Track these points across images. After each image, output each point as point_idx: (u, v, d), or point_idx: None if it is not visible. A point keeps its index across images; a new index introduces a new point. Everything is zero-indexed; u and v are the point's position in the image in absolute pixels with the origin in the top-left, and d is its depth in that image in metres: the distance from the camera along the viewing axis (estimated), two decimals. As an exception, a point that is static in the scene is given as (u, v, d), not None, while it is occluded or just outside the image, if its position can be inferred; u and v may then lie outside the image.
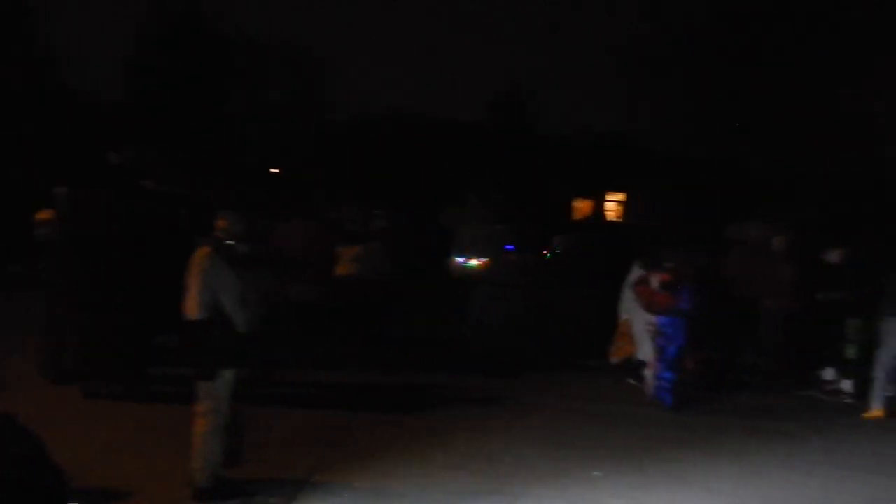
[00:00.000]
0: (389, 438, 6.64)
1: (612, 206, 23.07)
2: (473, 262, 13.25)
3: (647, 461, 6.32)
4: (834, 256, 9.05)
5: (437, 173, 18.04)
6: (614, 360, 9.30)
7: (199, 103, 22.05)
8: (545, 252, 13.09)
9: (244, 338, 5.09)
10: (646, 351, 8.61)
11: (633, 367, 9.00)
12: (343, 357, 9.25)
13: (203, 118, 21.72)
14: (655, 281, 8.43)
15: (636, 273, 8.87)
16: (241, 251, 5.22)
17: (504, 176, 17.93)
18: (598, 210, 21.77)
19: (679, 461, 6.36)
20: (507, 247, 12.75)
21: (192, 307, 4.97)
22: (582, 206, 21.51)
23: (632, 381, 8.96)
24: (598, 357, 9.62)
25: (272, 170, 21.49)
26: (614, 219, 22.28)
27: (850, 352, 8.57)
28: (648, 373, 8.54)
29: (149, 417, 6.70)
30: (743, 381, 9.39)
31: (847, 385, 8.67)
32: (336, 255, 10.04)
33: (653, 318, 8.34)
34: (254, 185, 16.65)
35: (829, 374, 9.06)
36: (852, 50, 19.24)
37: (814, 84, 19.18)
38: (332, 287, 9.69)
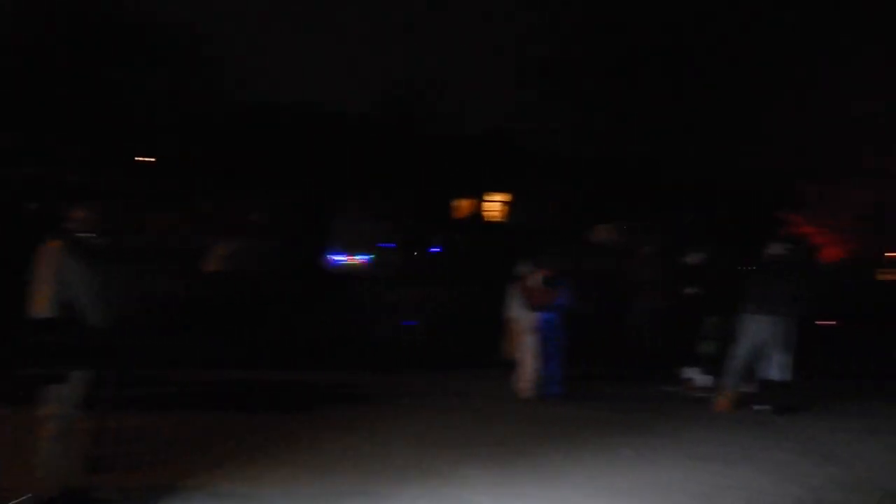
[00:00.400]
0: (260, 440, 6.51)
1: (495, 205, 23.44)
2: (353, 259, 13.15)
3: (517, 457, 6.46)
4: (694, 258, 9.52)
5: (320, 167, 17.68)
6: (509, 357, 9.43)
7: (77, 86, 20.67)
8: (421, 250, 13.16)
9: (99, 336, 4.82)
10: (526, 347, 8.89)
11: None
12: (217, 355, 8.99)
13: (80, 102, 20.37)
14: (537, 278, 8.76)
15: (521, 271, 9.13)
16: (98, 244, 4.94)
17: (385, 172, 17.86)
18: (479, 209, 22.04)
19: (546, 456, 6.53)
20: (387, 244, 12.74)
21: (41, 304, 4.67)
22: (463, 206, 21.71)
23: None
24: (478, 355, 9.80)
25: (143, 158, 20.43)
26: (496, 218, 22.63)
27: (708, 348, 9.03)
28: (528, 369, 8.82)
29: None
30: (615, 376, 9.76)
31: (705, 380, 9.13)
32: (212, 250, 9.74)
33: (533, 315, 8.71)
34: (123, 174, 15.83)
35: (691, 371, 9.53)
36: (736, 54, 20.32)
37: (698, 86, 20.09)
38: (202, 282, 9.39)
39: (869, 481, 6.38)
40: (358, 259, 12.68)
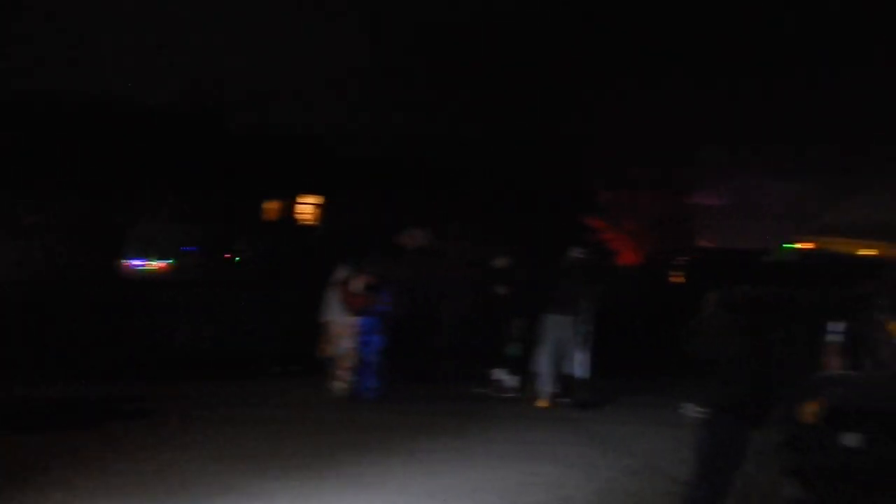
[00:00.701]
0: (35, 460, 5.87)
1: (307, 208, 23.01)
2: (152, 263, 12.31)
3: (325, 467, 6.27)
4: (501, 261, 9.74)
5: (110, 164, 16.23)
6: (325, 360, 9.32)
7: None
8: (233, 254, 12.58)
9: None
10: (343, 350, 8.85)
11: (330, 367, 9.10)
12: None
13: None
14: (359, 283, 8.76)
15: (340, 275, 9.01)
16: None
17: (189, 171, 16.88)
18: (291, 212, 21.52)
19: (356, 464, 6.42)
20: (189, 248, 12.06)
21: None
22: (273, 208, 21.09)
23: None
24: (288, 360, 9.54)
25: None
26: (309, 222, 22.23)
27: (513, 350, 9.27)
28: (344, 373, 8.80)
29: None
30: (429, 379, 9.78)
31: (512, 380, 9.37)
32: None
33: (354, 319, 8.71)
34: None
35: (498, 372, 9.75)
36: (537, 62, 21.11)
37: (507, 93, 20.68)
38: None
39: (657, 469, 6.80)
40: (158, 264, 11.89)
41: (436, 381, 9.79)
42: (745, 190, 28.63)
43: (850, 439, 4.29)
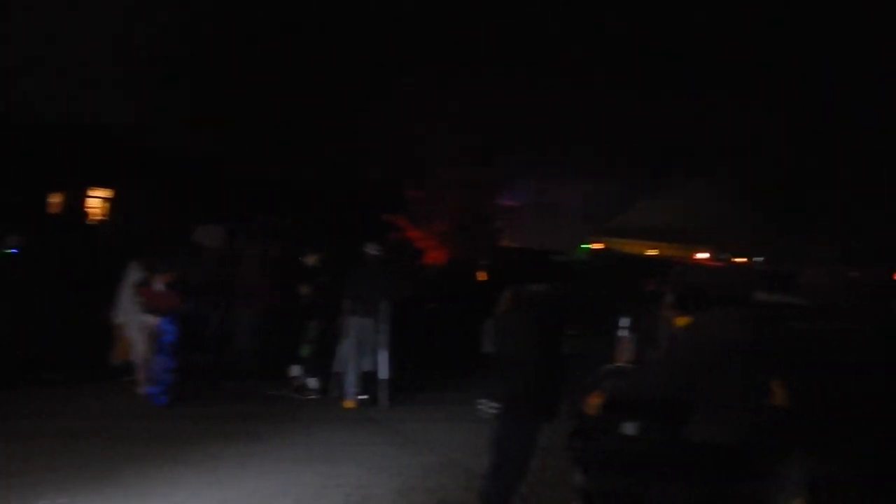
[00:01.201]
0: None
1: (97, 202, 21.46)
2: None
3: (109, 481, 5.81)
4: (311, 259, 9.50)
5: None
6: (115, 362, 8.87)
7: None
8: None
9: None
10: (139, 353, 8.46)
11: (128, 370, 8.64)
12: None
13: None
14: (159, 283, 8.38)
15: (135, 275, 8.54)
16: None
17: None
18: (78, 207, 19.90)
19: (146, 476, 6.00)
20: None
21: None
22: (57, 201, 19.42)
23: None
24: (70, 368, 8.81)
25: None
26: (98, 217, 20.73)
27: (307, 351, 9.08)
28: (141, 378, 8.42)
29: None
30: (223, 384, 9.32)
31: (312, 382, 9.17)
32: None
33: (152, 320, 8.28)
34: None
35: (295, 371, 9.52)
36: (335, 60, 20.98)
37: (306, 92, 20.39)
38: None
39: (457, 464, 6.92)
40: None
41: (235, 383, 9.35)
42: (544, 192, 30.22)
43: (628, 428, 4.56)
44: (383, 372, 8.92)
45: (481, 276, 17.42)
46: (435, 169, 22.85)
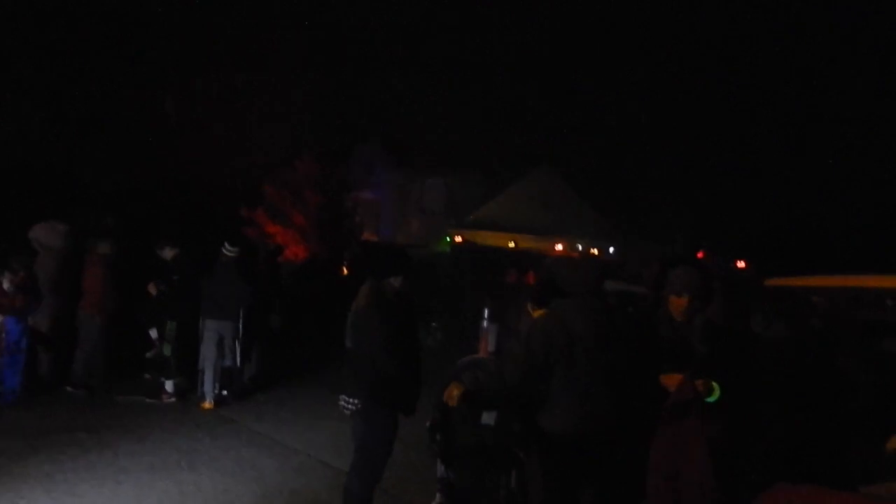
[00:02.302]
0: None
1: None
2: None
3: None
4: (168, 254, 9.10)
5: None
6: None
7: None
8: None
9: None
10: None
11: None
12: None
13: None
14: (6, 282, 8.04)
15: None
16: None
17: None
18: None
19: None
20: None
21: None
22: None
23: None
24: None
25: None
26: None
27: (167, 350, 8.75)
28: None
29: None
30: (69, 392, 8.78)
31: (169, 385, 8.84)
32: None
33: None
34: None
35: (151, 375, 9.17)
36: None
37: (119, 86, 19.82)
38: None
39: (321, 463, 6.89)
40: None
41: (82, 390, 8.83)
42: (403, 185, 30.42)
43: (484, 418, 4.70)
44: (239, 372, 9.01)
45: (342, 271, 17.33)
46: (291, 162, 22.52)
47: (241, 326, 8.93)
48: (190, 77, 21.58)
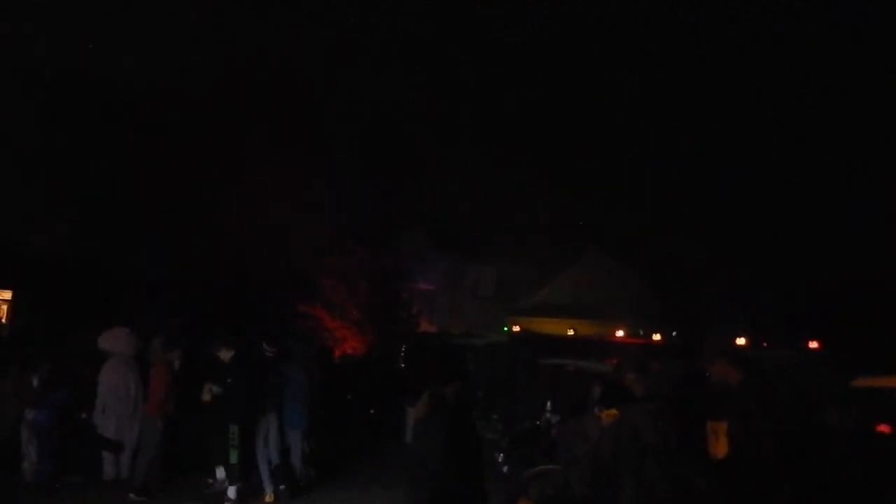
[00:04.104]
0: None
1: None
2: None
3: None
4: (224, 356, 9.11)
5: None
6: None
7: None
8: None
9: None
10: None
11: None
12: None
13: None
14: (35, 380, 8.80)
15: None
16: None
17: None
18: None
19: None
20: None
21: None
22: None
23: None
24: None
25: None
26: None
27: (234, 458, 8.63)
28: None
29: None
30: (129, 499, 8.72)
31: (231, 491, 8.68)
32: None
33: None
34: None
35: (219, 477, 9.12)
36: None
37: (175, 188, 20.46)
38: None
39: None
40: None
41: (142, 498, 8.75)
42: (454, 273, 30.42)
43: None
44: (297, 463, 9.24)
45: (399, 363, 17.16)
46: (341, 251, 22.68)
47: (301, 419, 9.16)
48: (240, 171, 22.18)
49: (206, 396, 8.91)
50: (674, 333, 19.35)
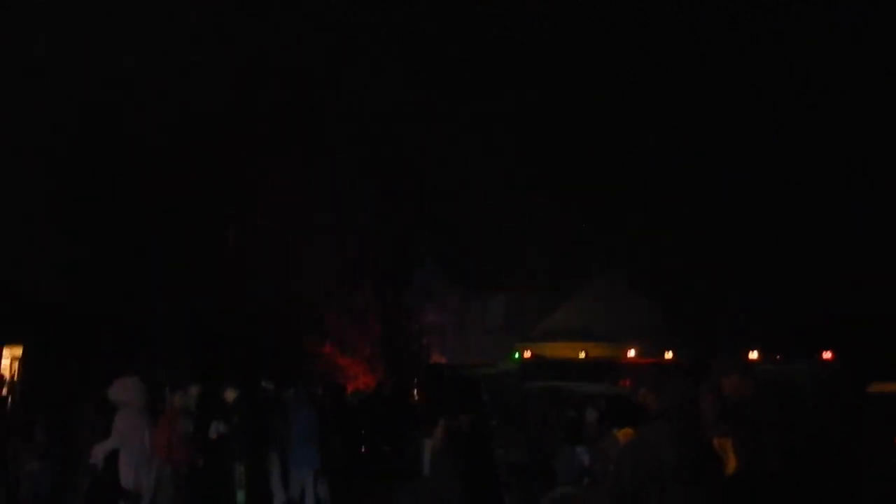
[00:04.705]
0: None
1: (8, 361, 20.49)
2: None
3: None
4: (229, 395, 9.14)
5: None
6: None
7: None
8: None
9: None
10: None
11: None
12: None
13: None
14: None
15: None
16: None
17: None
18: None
19: None
20: None
21: None
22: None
23: None
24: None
25: None
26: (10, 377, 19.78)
27: (241, 499, 8.58)
28: None
29: None
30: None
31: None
32: None
33: None
34: None
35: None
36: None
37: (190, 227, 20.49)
38: None
39: None
40: None
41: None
42: (463, 305, 30.40)
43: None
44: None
45: (412, 397, 17.08)
46: (352, 289, 22.71)
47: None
48: (246, 203, 22.20)
49: (213, 434, 8.95)
50: (684, 351, 19.23)
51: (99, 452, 9.08)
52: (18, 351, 20.43)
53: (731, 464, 4.13)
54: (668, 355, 17.81)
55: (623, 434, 4.72)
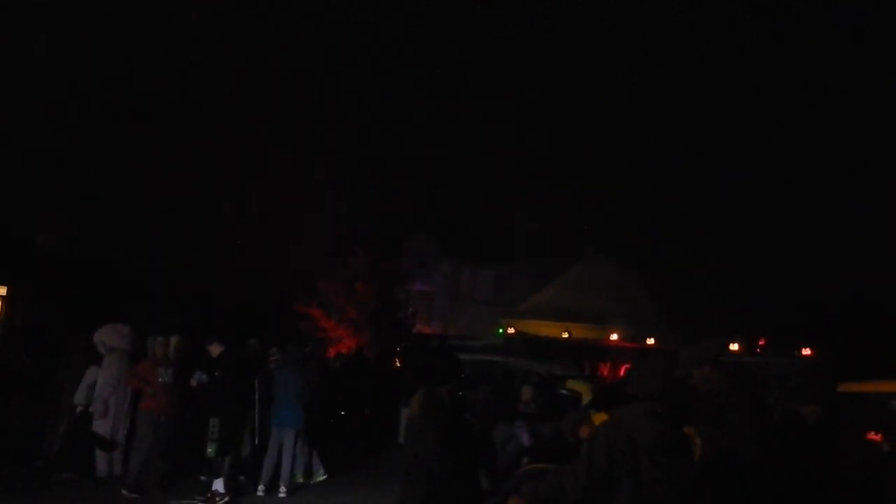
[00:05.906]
0: None
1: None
2: None
3: None
4: (214, 349, 9.20)
5: None
6: None
7: None
8: None
9: None
10: None
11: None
12: None
13: None
14: None
15: None
16: None
17: None
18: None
19: None
20: None
21: None
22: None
23: None
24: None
25: None
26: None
27: (211, 450, 8.65)
28: None
29: None
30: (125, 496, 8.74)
31: (219, 484, 8.70)
32: None
33: None
34: None
35: (208, 478, 9.11)
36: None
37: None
38: None
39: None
40: None
41: (138, 495, 8.77)
42: (454, 276, 30.51)
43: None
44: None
45: (394, 364, 17.16)
46: (345, 255, 22.77)
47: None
48: (244, 174, 22.31)
49: (193, 382, 9.09)
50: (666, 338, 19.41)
51: (99, 398, 9.17)
52: (3, 290, 20.43)
53: (697, 452, 4.22)
54: (651, 341, 18.01)
55: (598, 418, 4.79)
